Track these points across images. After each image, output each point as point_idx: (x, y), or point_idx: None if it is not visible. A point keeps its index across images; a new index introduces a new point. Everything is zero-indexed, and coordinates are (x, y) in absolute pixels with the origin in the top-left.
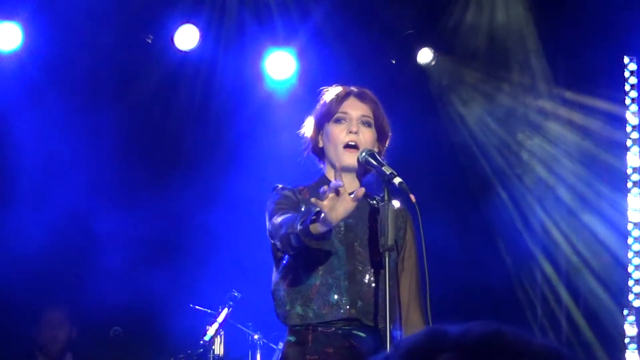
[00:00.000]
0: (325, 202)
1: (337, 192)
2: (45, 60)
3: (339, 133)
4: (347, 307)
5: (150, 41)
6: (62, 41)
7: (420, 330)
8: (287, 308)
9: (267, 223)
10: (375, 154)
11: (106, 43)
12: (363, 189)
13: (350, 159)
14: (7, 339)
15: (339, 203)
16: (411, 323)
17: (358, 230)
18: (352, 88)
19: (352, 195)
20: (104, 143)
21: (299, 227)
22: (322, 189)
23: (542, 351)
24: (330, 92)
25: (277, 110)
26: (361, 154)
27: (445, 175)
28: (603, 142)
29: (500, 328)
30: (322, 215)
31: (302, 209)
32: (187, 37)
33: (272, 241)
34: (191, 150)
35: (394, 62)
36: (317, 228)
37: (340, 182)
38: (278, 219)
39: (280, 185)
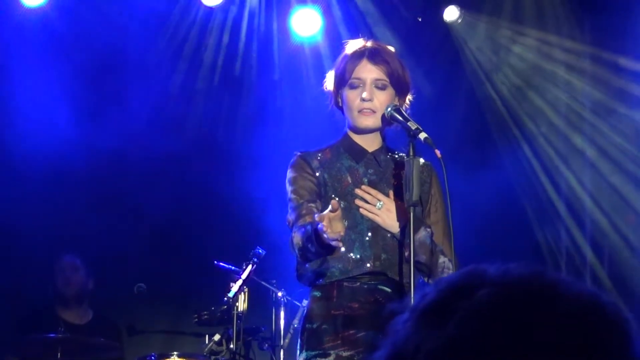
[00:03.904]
0: (325, 224)
1: (332, 211)
2: (71, 15)
3: (353, 99)
4: (371, 261)
5: None
6: None
7: (458, 270)
8: (310, 273)
9: (287, 192)
10: (401, 109)
11: None
12: (336, 202)
13: (366, 121)
14: (28, 292)
15: (333, 223)
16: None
17: (381, 186)
18: (367, 46)
19: (328, 211)
20: (130, 97)
21: (312, 249)
22: (319, 227)
23: (581, 295)
24: (348, 48)
25: (303, 66)
26: (387, 109)
27: (470, 132)
28: (629, 100)
29: (542, 270)
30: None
31: (310, 224)
32: None
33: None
34: (216, 107)
35: (419, 19)
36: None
37: (321, 225)
38: (293, 231)
39: (298, 154)
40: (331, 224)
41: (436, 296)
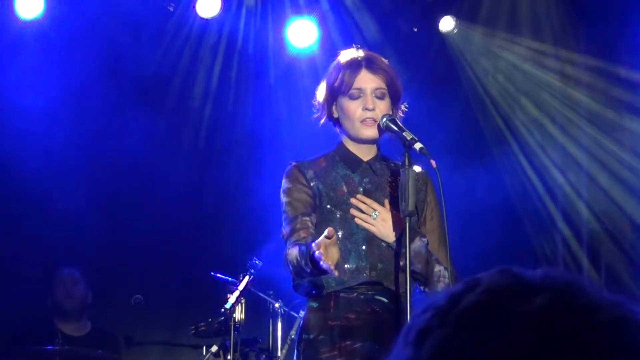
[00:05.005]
0: (322, 251)
1: (327, 238)
2: (67, 28)
3: (355, 109)
4: (367, 270)
5: (171, 9)
6: (84, 9)
7: (489, 272)
8: (307, 284)
9: (282, 204)
10: (396, 119)
11: (127, 11)
12: (332, 229)
13: (368, 131)
14: (25, 304)
15: (329, 249)
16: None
17: (377, 195)
18: (363, 56)
19: (324, 237)
20: (126, 111)
21: (307, 269)
22: (316, 254)
23: (615, 302)
24: (343, 60)
25: (299, 78)
26: (382, 119)
27: (466, 142)
28: (624, 108)
29: (575, 275)
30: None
31: (305, 248)
32: (208, 5)
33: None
34: (213, 119)
35: (415, 30)
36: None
37: (318, 246)
38: (287, 246)
39: (293, 164)
40: (327, 250)
41: (481, 298)
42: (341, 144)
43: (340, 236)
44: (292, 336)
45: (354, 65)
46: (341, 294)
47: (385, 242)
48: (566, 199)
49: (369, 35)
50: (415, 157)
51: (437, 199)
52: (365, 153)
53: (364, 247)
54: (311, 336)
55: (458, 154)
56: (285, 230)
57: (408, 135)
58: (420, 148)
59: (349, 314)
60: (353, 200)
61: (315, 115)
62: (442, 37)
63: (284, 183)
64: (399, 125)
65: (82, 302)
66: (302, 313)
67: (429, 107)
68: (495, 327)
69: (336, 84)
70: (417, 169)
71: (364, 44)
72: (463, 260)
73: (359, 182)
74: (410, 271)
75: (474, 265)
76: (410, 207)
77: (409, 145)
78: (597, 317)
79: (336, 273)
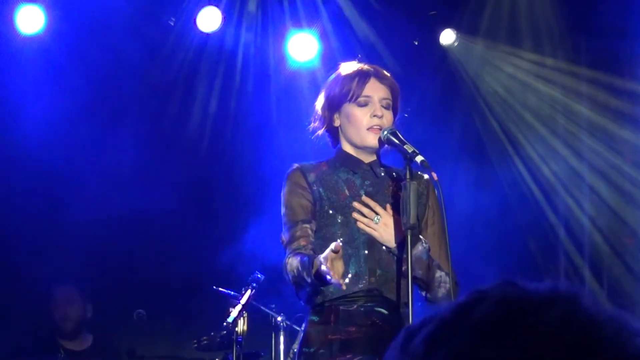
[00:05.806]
0: (329, 266)
1: (333, 252)
2: (68, 43)
3: (362, 116)
4: (367, 276)
5: (172, 23)
6: (84, 24)
7: (494, 284)
8: (308, 288)
9: (282, 208)
10: (397, 132)
11: (128, 25)
12: (339, 244)
13: (374, 139)
14: (27, 318)
15: (334, 263)
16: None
17: (378, 198)
18: (370, 68)
19: (331, 251)
20: (127, 123)
21: (308, 280)
22: (323, 269)
23: (617, 315)
24: (348, 70)
25: (300, 91)
26: (383, 132)
27: (467, 154)
28: (625, 120)
29: (579, 288)
30: (325, 271)
31: (307, 260)
32: (209, 19)
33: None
34: (213, 132)
35: (416, 43)
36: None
37: (330, 255)
38: (287, 254)
39: (296, 165)
40: (332, 264)
41: (493, 310)
42: (340, 149)
43: (341, 241)
44: (295, 350)
45: (363, 74)
46: (341, 307)
47: (386, 247)
48: (568, 211)
49: (369, 49)
50: (416, 167)
51: (438, 203)
52: (366, 157)
53: (364, 251)
54: (311, 350)
55: (459, 166)
56: (285, 236)
57: (409, 148)
58: (422, 161)
59: (350, 328)
60: (356, 204)
61: (313, 125)
62: (442, 50)
63: (285, 186)
64: (400, 138)
65: (80, 319)
66: (303, 326)
67: (430, 119)
68: (510, 339)
69: (343, 91)
70: (419, 174)
71: (364, 57)
72: (465, 271)
73: (360, 184)
74: (412, 276)
75: (475, 276)
76: (412, 220)
77: (410, 158)
78: (601, 331)
79: (344, 287)
